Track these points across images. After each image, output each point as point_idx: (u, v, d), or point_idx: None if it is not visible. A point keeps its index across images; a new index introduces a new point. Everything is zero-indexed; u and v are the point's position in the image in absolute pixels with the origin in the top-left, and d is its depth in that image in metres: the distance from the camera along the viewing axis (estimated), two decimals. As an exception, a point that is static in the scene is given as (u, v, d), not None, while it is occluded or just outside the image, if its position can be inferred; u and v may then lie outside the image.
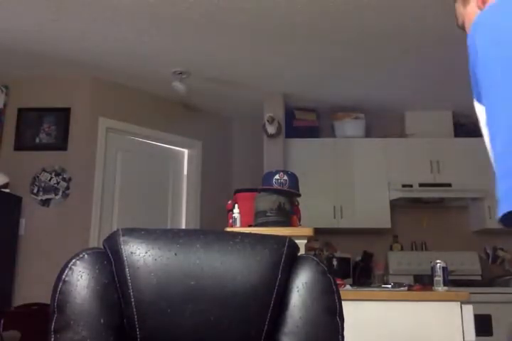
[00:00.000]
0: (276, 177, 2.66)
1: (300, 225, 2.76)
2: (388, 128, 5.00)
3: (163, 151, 4.67)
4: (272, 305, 1.05)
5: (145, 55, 3.83)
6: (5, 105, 4.13)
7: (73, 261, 1.07)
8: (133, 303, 1.03)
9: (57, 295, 1.04)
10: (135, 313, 1.03)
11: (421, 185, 4.65)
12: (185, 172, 4.82)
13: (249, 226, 2.57)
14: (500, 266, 4.70)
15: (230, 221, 2.64)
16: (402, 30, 3.44)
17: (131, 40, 3.60)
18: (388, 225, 4.65)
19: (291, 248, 1.12)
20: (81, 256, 1.08)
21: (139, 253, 1.06)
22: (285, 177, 2.66)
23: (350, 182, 4.72)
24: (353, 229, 4.66)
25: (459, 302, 2.21)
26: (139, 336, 1.03)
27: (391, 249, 4.89)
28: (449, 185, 4.64)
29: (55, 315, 1.03)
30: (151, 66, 4.03)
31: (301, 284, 1.09)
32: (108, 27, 3.40)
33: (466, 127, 4.92)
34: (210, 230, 1.18)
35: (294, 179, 2.71)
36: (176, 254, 1.06)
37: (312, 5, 3.11)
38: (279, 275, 1.07)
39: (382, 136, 4.90)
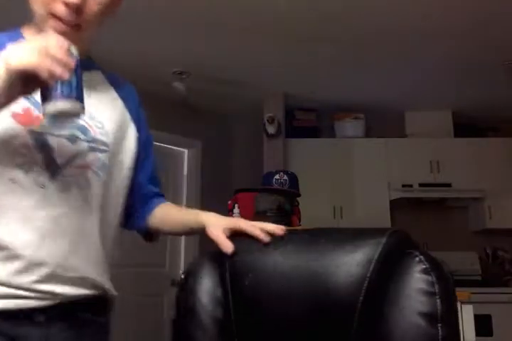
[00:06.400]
0: (276, 177, 2.66)
1: (300, 225, 2.76)
2: (388, 128, 5.00)
3: (163, 151, 4.67)
4: (359, 304, 0.97)
5: (145, 54, 3.83)
6: (5, 105, 4.12)
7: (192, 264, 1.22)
8: (231, 302, 1.10)
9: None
10: (232, 310, 1.10)
11: (421, 185, 4.65)
12: (185, 172, 4.82)
13: (249, 226, 2.56)
14: (500, 266, 4.70)
15: (230, 221, 2.64)
16: (402, 30, 3.44)
17: (131, 40, 3.60)
18: (388, 225, 4.64)
19: (391, 242, 1.02)
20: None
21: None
22: (285, 177, 2.66)
23: (350, 182, 4.72)
24: (353, 229, 4.64)
25: (458, 303, 2.21)
26: (235, 331, 1.09)
27: (391, 249, 4.89)
28: (449, 185, 4.64)
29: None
30: (151, 66, 4.03)
31: (398, 283, 0.98)
32: (108, 27, 3.39)
33: (466, 127, 4.92)
34: (301, 229, 1.19)
35: (294, 179, 2.71)
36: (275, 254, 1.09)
37: (312, 5, 3.11)
38: (371, 273, 0.98)
39: (382, 136, 4.90)
